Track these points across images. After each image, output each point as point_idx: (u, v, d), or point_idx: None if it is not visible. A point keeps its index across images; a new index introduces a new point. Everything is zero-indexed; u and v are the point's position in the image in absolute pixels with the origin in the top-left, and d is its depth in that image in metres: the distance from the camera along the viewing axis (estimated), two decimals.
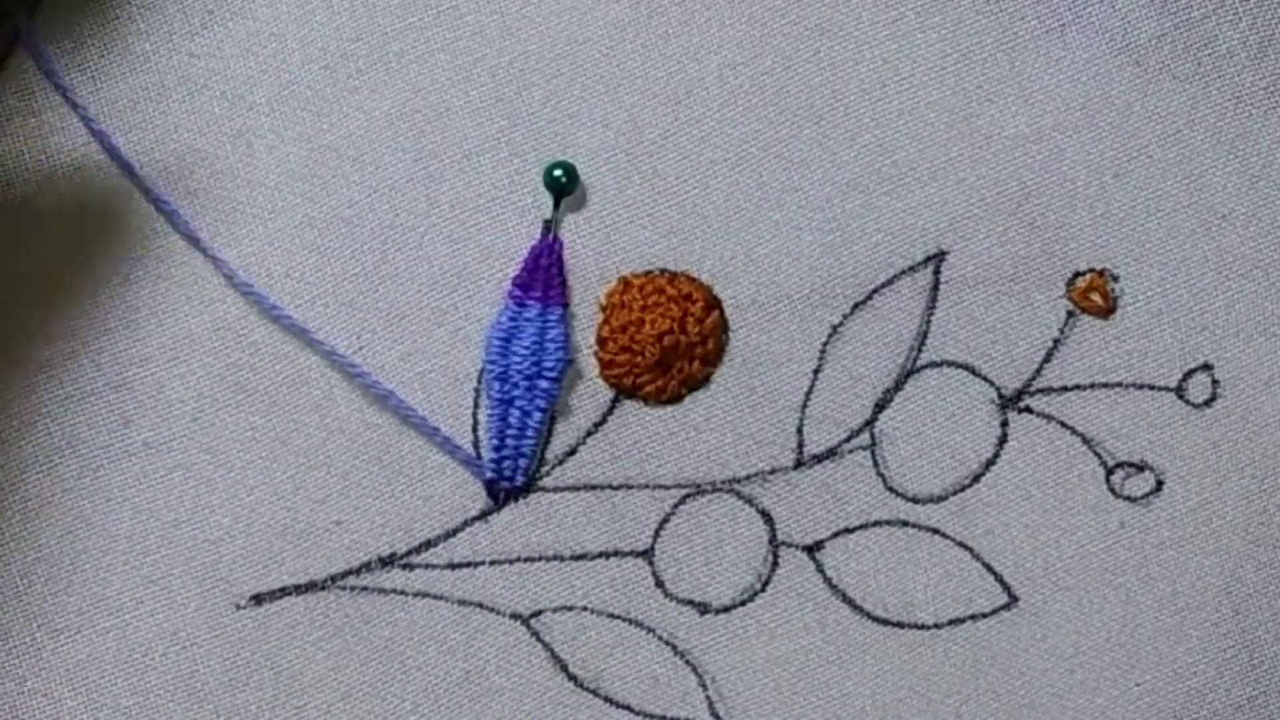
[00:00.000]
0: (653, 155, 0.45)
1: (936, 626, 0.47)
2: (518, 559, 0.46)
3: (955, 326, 0.46)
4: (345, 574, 0.45)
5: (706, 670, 0.47)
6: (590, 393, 0.46)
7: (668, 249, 0.46)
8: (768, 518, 0.46)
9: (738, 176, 0.45)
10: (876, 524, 0.47)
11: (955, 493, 0.47)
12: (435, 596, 0.46)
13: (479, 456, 0.46)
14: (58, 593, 0.45)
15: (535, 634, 0.46)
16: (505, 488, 0.46)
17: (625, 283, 0.45)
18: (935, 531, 0.47)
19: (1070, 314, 0.46)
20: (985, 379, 0.47)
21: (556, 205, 0.45)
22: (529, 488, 0.46)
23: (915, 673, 0.47)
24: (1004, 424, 0.47)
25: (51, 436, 0.45)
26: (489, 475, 0.46)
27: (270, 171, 0.45)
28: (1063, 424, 0.47)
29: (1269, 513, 0.47)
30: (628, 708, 0.47)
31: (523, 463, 0.46)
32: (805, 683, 0.47)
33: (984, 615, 0.47)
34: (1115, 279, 0.46)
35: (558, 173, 0.45)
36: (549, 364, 0.45)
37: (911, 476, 0.47)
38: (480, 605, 0.46)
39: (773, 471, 0.46)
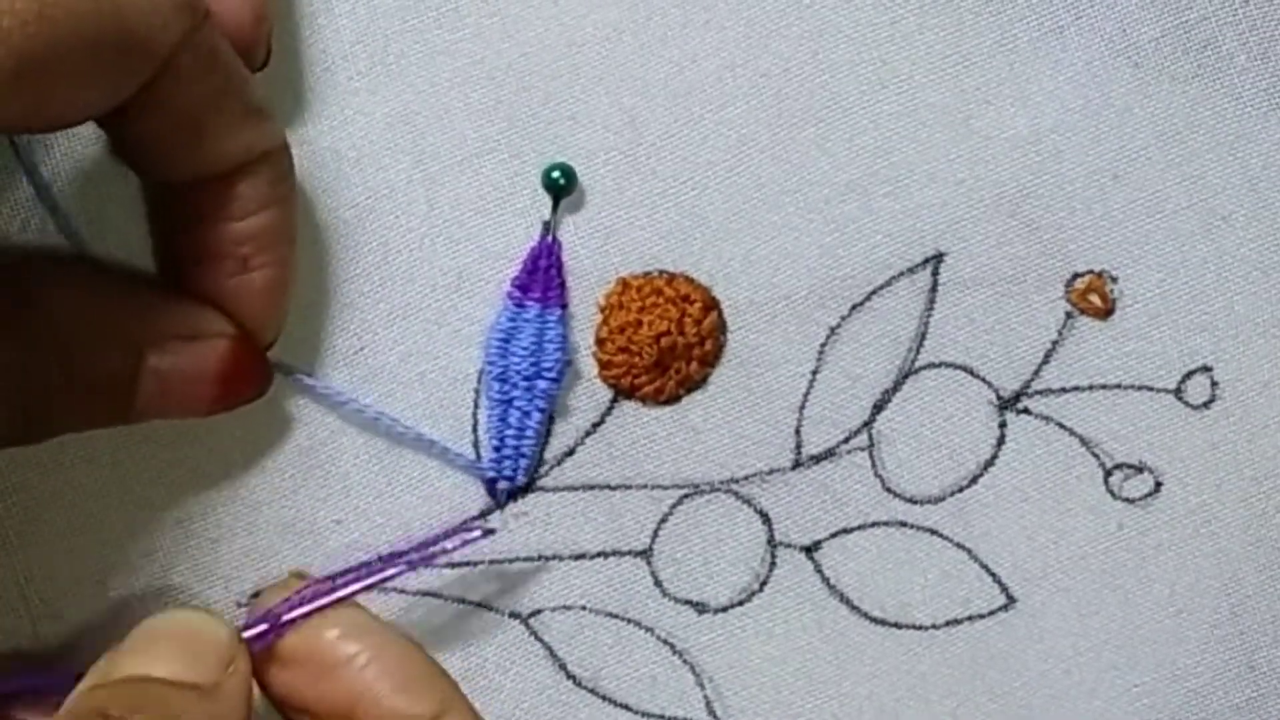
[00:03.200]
0: (651, 157, 0.45)
1: (934, 627, 0.47)
2: (516, 558, 0.46)
3: (953, 328, 0.46)
4: (345, 572, 0.46)
5: (704, 669, 0.47)
6: (588, 393, 0.46)
7: (666, 250, 0.46)
8: (766, 518, 0.47)
9: (736, 178, 0.46)
10: (874, 525, 0.47)
11: (953, 494, 0.47)
12: (434, 595, 0.46)
13: (479, 456, 0.46)
14: (61, 589, 0.45)
15: (534, 633, 0.46)
16: (505, 488, 0.46)
17: (623, 284, 0.46)
18: (933, 532, 0.47)
19: (1069, 315, 0.46)
20: (983, 380, 0.47)
21: (555, 207, 0.45)
22: (528, 488, 0.46)
23: (913, 673, 0.47)
24: (1002, 425, 0.47)
25: None
26: (489, 475, 0.46)
27: None
28: (1061, 425, 0.47)
29: (1268, 514, 0.47)
30: (626, 706, 0.47)
31: (523, 463, 0.46)
32: (803, 683, 0.47)
33: (982, 616, 0.47)
34: (1114, 280, 0.46)
35: (555, 174, 0.45)
36: (548, 364, 0.45)
37: (909, 477, 0.47)
38: (479, 604, 0.46)
39: (771, 472, 0.46)
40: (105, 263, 0.44)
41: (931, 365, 0.47)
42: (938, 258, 0.46)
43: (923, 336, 0.46)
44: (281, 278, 0.42)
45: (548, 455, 0.46)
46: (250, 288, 0.42)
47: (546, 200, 0.45)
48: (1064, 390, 0.47)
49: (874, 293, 0.46)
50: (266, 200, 0.41)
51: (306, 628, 0.43)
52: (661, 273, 0.46)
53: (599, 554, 0.46)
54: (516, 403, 0.45)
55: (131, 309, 0.41)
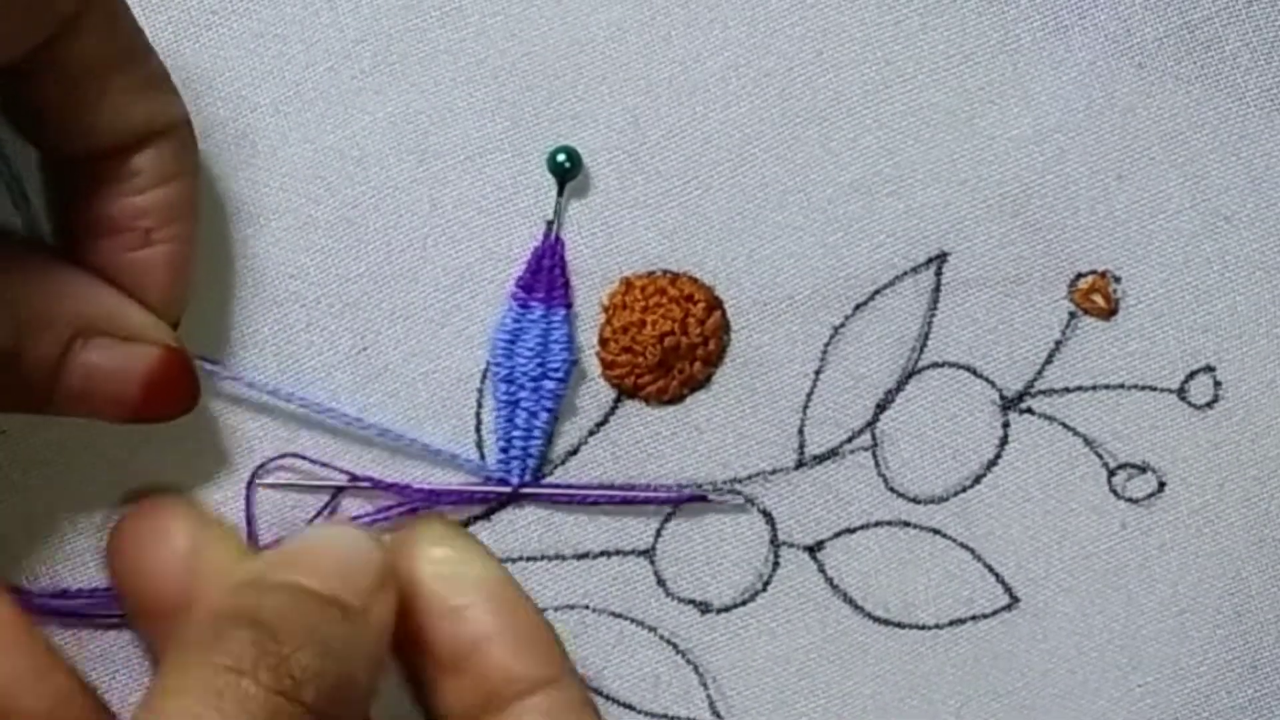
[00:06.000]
0: (655, 156, 0.45)
1: (937, 627, 0.47)
2: (520, 558, 0.46)
3: (957, 327, 0.46)
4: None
5: (707, 669, 0.47)
6: (592, 393, 0.46)
7: (670, 250, 0.46)
8: (769, 518, 0.47)
9: (740, 177, 0.46)
10: (878, 524, 0.47)
11: (957, 493, 0.47)
12: None
13: (482, 456, 0.46)
14: (62, 589, 0.45)
15: None
16: (512, 488, 0.46)
17: (627, 283, 0.46)
18: (936, 532, 0.47)
19: (1072, 315, 0.47)
20: (987, 380, 0.47)
21: (560, 191, 0.45)
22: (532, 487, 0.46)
23: (916, 673, 0.47)
24: (1005, 425, 0.47)
25: (57, 433, 0.45)
26: (498, 476, 0.46)
27: (274, 173, 0.45)
28: (1064, 425, 0.47)
29: (1271, 514, 0.47)
30: (629, 706, 0.47)
31: (531, 463, 0.46)
32: (806, 682, 0.47)
33: (985, 616, 0.47)
34: (1117, 280, 0.47)
35: (561, 157, 0.45)
36: (554, 365, 0.45)
37: (913, 477, 0.47)
38: None
39: (774, 472, 0.46)
40: (52, 247, 0.43)
41: (935, 365, 0.47)
42: (941, 257, 0.46)
43: (926, 336, 0.46)
44: (184, 253, 0.42)
45: (552, 455, 0.46)
46: (152, 262, 0.41)
47: (550, 200, 0.45)
48: (1067, 390, 0.47)
49: (877, 292, 0.46)
50: (168, 174, 0.41)
51: (423, 562, 0.42)
52: (665, 272, 0.46)
53: (602, 553, 0.46)
54: (523, 404, 0.45)
55: (71, 296, 0.41)
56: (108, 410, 0.41)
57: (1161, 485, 0.47)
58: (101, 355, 0.40)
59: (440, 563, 0.42)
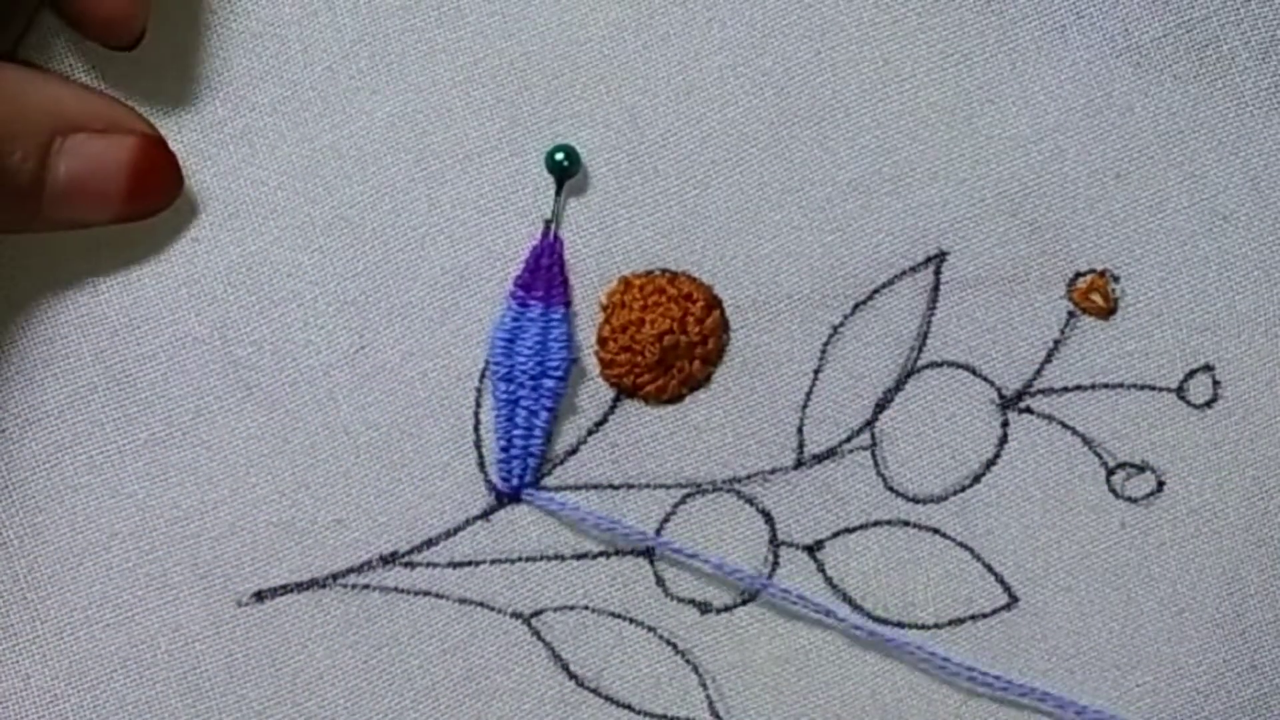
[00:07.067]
0: (653, 155, 0.45)
1: (937, 626, 0.47)
2: (519, 558, 0.46)
3: (956, 327, 0.46)
4: (347, 572, 0.46)
5: (707, 669, 0.47)
6: (591, 392, 0.46)
7: (668, 249, 0.46)
8: (768, 517, 0.47)
9: (738, 176, 0.46)
10: (877, 524, 0.47)
11: (956, 493, 0.47)
12: (436, 595, 0.46)
13: (480, 455, 0.46)
14: (60, 590, 0.45)
15: (536, 633, 0.46)
16: (512, 487, 0.46)
17: (626, 283, 0.46)
18: (936, 531, 0.47)
19: (1071, 314, 0.46)
20: (986, 379, 0.47)
21: (559, 190, 0.45)
22: (532, 486, 0.46)
23: (916, 673, 0.47)
24: (1004, 424, 0.47)
25: (54, 434, 0.45)
26: (500, 475, 0.46)
27: (272, 172, 0.45)
28: (1063, 424, 0.47)
29: (1270, 514, 0.47)
30: (628, 707, 0.47)
31: (531, 462, 0.46)
32: (805, 682, 0.47)
33: (984, 615, 0.47)
34: (1116, 279, 0.46)
35: (559, 156, 0.45)
36: (554, 363, 0.45)
37: (912, 476, 0.47)
38: (481, 604, 0.46)
39: (773, 471, 0.46)
40: (15, 56, 0.43)
41: (934, 364, 0.46)
42: (940, 257, 0.46)
43: (925, 335, 0.46)
44: None
45: (550, 454, 0.46)
46: None
47: (549, 198, 0.45)
48: (1066, 389, 0.47)
49: (876, 292, 0.46)
50: None
51: None
52: (664, 271, 0.46)
53: (601, 554, 0.46)
54: (523, 403, 0.45)
55: (42, 97, 0.41)
56: (96, 207, 0.42)
57: (1160, 485, 0.47)
58: (83, 149, 0.41)
59: None
